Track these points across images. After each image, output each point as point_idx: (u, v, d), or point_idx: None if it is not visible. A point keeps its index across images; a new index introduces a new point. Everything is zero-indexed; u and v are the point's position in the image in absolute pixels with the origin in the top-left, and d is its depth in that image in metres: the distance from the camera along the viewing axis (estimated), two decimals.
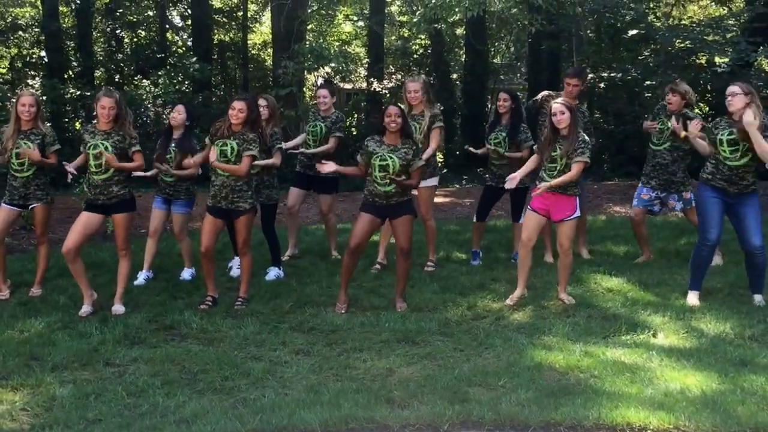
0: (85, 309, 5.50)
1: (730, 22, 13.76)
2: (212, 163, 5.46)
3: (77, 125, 14.49)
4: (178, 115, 6.42)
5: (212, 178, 5.59)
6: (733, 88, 5.26)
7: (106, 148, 5.38)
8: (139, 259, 6.37)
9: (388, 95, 17.63)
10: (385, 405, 3.82)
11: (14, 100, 5.86)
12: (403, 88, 6.75)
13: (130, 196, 5.57)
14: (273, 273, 6.54)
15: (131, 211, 5.58)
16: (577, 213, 5.54)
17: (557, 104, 5.41)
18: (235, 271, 6.60)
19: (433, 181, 6.76)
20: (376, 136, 5.52)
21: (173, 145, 6.36)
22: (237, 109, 5.43)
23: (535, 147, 5.88)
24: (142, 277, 6.47)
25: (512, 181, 5.61)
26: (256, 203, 5.78)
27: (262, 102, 6.40)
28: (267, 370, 4.35)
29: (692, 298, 5.50)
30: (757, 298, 5.45)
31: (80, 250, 5.53)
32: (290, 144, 7.14)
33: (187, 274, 6.61)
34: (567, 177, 5.35)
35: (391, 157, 5.36)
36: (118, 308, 5.54)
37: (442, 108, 8.39)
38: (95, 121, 5.59)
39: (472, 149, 7.21)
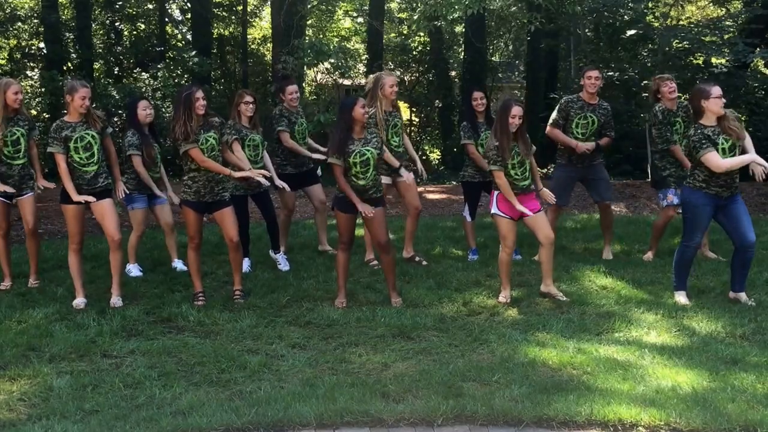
0: (81, 301, 5.59)
1: (727, 23, 13.78)
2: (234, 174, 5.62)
3: None
4: (150, 111, 6.50)
5: (193, 175, 5.50)
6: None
7: (94, 139, 5.48)
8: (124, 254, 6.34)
9: None
10: (379, 399, 3.86)
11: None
12: (377, 82, 6.53)
13: (111, 186, 5.70)
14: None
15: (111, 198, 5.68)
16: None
17: (518, 107, 5.45)
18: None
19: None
20: (344, 135, 5.40)
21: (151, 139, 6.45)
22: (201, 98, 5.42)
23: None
24: (136, 270, 6.52)
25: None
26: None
27: (249, 98, 6.48)
28: (263, 364, 4.39)
29: (681, 298, 5.54)
30: (744, 297, 5.51)
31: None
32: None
33: (180, 264, 6.66)
34: (537, 174, 5.69)
35: (368, 150, 5.41)
36: (115, 300, 5.58)
37: (439, 105, 8.40)
38: (65, 115, 5.58)
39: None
